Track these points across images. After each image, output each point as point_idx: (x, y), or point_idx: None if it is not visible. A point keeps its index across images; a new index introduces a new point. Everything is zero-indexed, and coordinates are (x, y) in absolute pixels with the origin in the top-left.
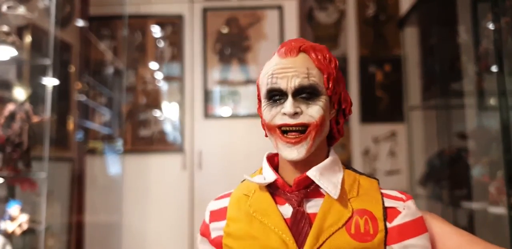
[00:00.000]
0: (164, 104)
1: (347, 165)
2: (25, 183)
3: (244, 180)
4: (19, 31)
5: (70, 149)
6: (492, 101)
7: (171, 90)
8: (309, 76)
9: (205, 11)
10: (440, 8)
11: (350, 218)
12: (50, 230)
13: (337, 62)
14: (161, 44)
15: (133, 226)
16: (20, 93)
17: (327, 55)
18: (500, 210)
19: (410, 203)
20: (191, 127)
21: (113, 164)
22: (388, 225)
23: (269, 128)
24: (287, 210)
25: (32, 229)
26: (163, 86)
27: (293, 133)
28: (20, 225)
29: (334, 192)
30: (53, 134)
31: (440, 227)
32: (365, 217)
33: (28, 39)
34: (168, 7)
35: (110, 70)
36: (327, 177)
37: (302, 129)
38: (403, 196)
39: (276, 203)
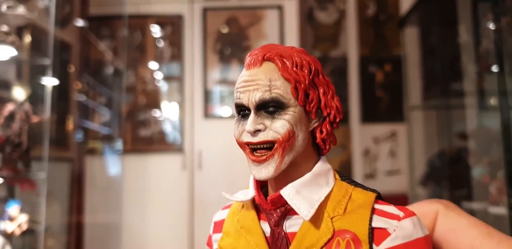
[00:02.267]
0: (164, 104)
1: (343, 176)
2: (24, 183)
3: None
4: (19, 31)
5: (70, 149)
6: (493, 101)
7: (171, 90)
8: (271, 89)
9: (205, 11)
10: (440, 8)
11: (330, 239)
12: (50, 230)
13: (313, 65)
14: (161, 44)
15: (133, 226)
16: (19, 93)
17: (297, 60)
18: (500, 210)
19: (407, 222)
20: (191, 127)
21: (112, 164)
22: (375, 247)
23: (239, 145)
24: (267, 227)
25: (32, 229)
26: (163, 86)
27: (262, 151)
28: (19, 225)
29: (306, 213)
30: (52, 134)
31: (455, 221)
32: (347, 238)
33: (27, 39)
34: (168, 7)
35: (109, 70)
36: (304, 194)
37: (270, 146)
38: (400, 214)
39: (260, 219)
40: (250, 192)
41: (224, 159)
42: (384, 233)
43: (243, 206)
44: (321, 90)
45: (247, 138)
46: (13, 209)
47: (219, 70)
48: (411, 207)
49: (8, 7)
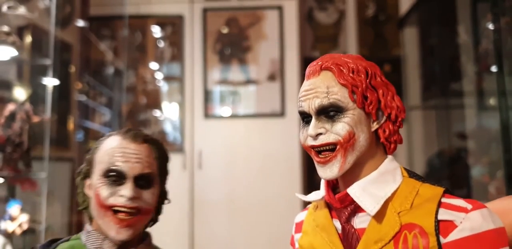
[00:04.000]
0: (164, 104)
1: (412, 173)
2: (25, 183)
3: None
4: (20, 31)
5: (70, 149)
6: (492, 101)
7: (171, 90)
8: (329, 95)
9: (205, 11)
10: (440, 8)
11: (397, 233)
12: (51, 230)
13: (369, 70)
14: (161, 44)
15: None
16: (20, 93)
17: (353, 67)
18: None
19: (475, 214)
20: (191, 127)
21: None
22: (443, 240)
23: (305, 149)
24: (339, 225)
25: (32, 229)
26: (163, 86)
27: (325, 153)
28: (20, 225)
29: (371, 209)
30: (53, 134)
31: None
32: (414, 231)
33: (28, 39)
34: (168, 7)
35: (110, 70)
36: (371, 191)
37: (333, 148)
38: (469, 206)
39: (332, 217)
40: (321, 192)
41: (224, 159)
42: (451, 225)
43: (317, 207)
44: (380, 92)
45: (311, 141)
46: (13, 208)
47: (219, 70)
48: (491, 203)
49: (9, 8)
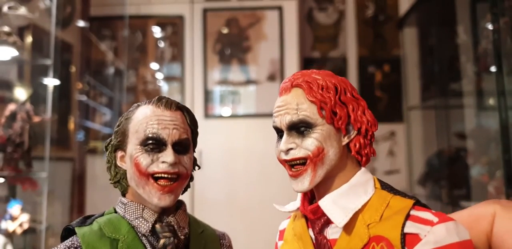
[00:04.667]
0: None
1: (385, 185)
2: (26, 182)
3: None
4: (20, 32)
5: (71, 149)
6: (491, 101)
7: (172, 90)
8: (298, 111)
9: (205, 11)
10: (439, 9)
11: (366, 245)
12: (51, 229)
13: (339, 86)
14: (162, 44)
15: None
16: (21, 93)
17: (322, 84)
18: None
19: (440, 227)
20: None
21: None
22: None
23: (280, 162)
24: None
25: (33, 228)
26: (164, 86)
27: (298, 166)
28: (21, 225)
29: (340, 221)
30: (54, 134)
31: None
32: (381, 244)
33: (29, 39)
34: (169, 8)
35: (110, 70)
36: (341, 204)
37: (304, 162)
38: (435, 219)
39: (308, 227)
40: (297, 203)
41: (224, 159)
42: (416, 239)
43: (296, 216)
44: (350, 107)
45: (283, 156)
46: (14, 208)
47: (219, 70)
48: (468, 210)
49: (10, 8)
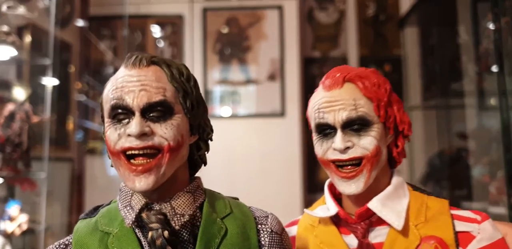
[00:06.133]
0: None
1: (414, 186)
2: (25, 183)
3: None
4: (19, 31)
5: (70, 149)
6: (493, 101)
7: None
8: (357, 108)
9: (205, 11)
10: (440, 8)
11: (418, 246)
12: (50, 230)
13: (387, 85)
14: (161, 44)
15: None
16: (20, 93)
17: (375, 81)
18: (500, 210)
19: (486, 224)
20: None
21: None
22: None
23: (322, 163)
24: (352, 240)
25: (32, 229)
26: None
27: (348, 167)
28: (19, 225)
29: (398, 223)
30: (52, 134)
31: None
32: (435, 244)
33: (28, 39)
34: (168, 7)
35: (110, 70)
36: (390, 206)
37: (357, 162)
38: (478, 217)
39: (341, 233)
40: (331, 208)
41: (224, 159)
42: (469, 236)
43: (319, 222)
44: (395, 107)
45: (335, 155)
46: (13, 209)
47: (219, 70)
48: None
49: (9, 7)
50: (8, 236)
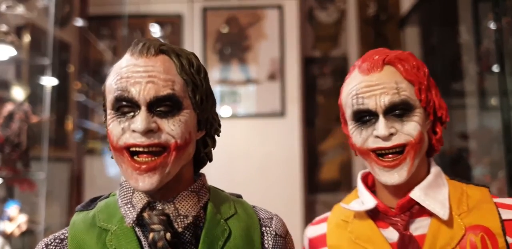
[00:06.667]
0: None
1: (450, 175)
2: (24, 183)
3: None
4: (18, 31)
5: (69, 149)
6: (494, 101)
7: None
8: (399, 91)
9: (204, 10)
10: (441, 8)
11: (463, 236)
12: (49, 230)
13: (425, 68)
14: None
15: None
16: (19, 93)
17: (415, 63)
18: None
19: None
20: None
21: (112, 164)
22: (510, 240)
23: (361, 152)
24: (391, 234)
25: (31, 229)
26: None
27: (389, 156)
28: (19, 226)
29: (443, 213)
30: (52, 134)
31: None
32: (481, 233)
33: (27, 38)
34: (168, 7)
35: (109, 69)
36: (432, 196)
37: (399, 150)
38: None
39: (378, 227)
40: (368, 201)
41: (224, 159)
42: None
43: (354, 216)
44: (433, 92)
45: (376, 143)
46: (12, 209)
47: (219, 69)
48: None
49: (8, 7)
50: (8, 237)
